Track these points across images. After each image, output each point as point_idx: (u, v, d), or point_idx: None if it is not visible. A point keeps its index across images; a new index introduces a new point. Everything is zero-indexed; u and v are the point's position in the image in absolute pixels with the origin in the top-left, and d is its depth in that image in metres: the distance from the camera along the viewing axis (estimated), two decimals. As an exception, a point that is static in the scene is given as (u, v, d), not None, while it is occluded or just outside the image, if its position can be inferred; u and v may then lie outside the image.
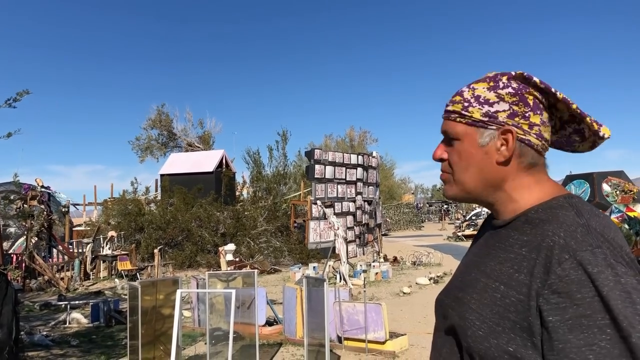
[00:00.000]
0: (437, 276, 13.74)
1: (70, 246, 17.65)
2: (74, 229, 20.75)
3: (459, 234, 28.04)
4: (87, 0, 74.61)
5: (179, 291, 5.51)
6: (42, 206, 15.40)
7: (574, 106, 1.17)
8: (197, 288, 8.24)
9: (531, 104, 1.17)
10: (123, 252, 16.80)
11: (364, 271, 14.58)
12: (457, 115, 1.20)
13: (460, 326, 1.13)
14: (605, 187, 14.78)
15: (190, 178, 21.81)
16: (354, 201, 20.59)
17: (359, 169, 20.96)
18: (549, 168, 1.22)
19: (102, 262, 16.51)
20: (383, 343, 7.00)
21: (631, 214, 10.92)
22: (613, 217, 11.21)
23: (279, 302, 9.43)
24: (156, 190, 24.60)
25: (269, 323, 8.40)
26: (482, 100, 1.17)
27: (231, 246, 16.02)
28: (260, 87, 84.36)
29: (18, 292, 8.84)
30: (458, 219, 39.34)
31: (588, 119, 1.17)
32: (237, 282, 7.01)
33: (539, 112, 1.17)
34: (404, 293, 11.87)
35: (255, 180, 24.48)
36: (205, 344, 6.60)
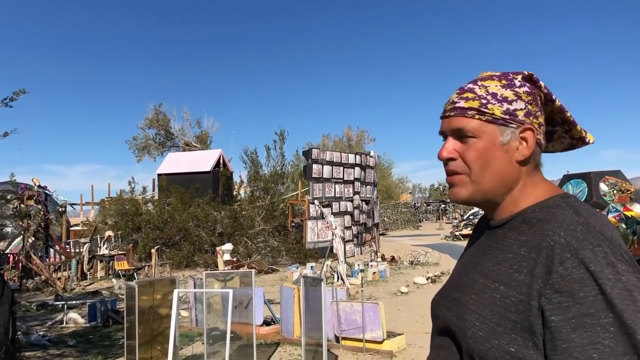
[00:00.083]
0: (435, 275, 13.75)
1: (67, 246, 17.62)
2: (71, 228, 20.72)
3: (457, 233, 28.07)
4: (86, 0, 74.56)
5: (176, 291, 5.50)
6: (39, 206, 15.35)
7: (568, 114, 1.23)
8: (195, 288, 8.23)
9: (539, 104, 1.20)
10: (120, 252, 16.76)
11: (362, 271, 14.58)
12: (475, 112, 1.16)
13: (459, 327, 1.12)
14: (603, 187, 14.81)
15: (187, 178, 21.78)
16: (352, 201, 20.59)
17: (357, 169, 20.97)
18: (543, 167, 1.24)
19: (99, 262, 16.48)
20: (380, 342, 7.00)
21: (628, 213, 10.94)
22: (610, 216, 11.23)
23: (276, 302, 9.42)
24: (153, 190, 24.57)
25: (266, 323, 8.39)
26: (501, 98, 1.16)
27: (228, 246, 16.00)
28: (257, 86, 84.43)
29: (15, 292, 8.82)
30: (455, 218, 39.38)
31: (578, 126, 1.25)
32: (234, 282, 7.00)
33: (542, 113, 1.21)
34: (402, 292, 11.87)
35: (252, 180, 24.46)
36: (203, 343, 6.58)
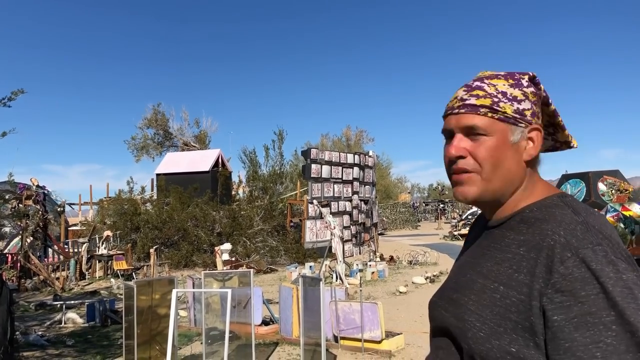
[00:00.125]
0: (434, 275, 13.75)
1: (65, 246, 17.60)
2: (69, 228, 20.70)
3: (455, 233, 28.06)
4: (84, 0, 74.44)
5: (174, 291, 5.50)
6: (38, 206, 15.33)
7: (559, 118, 1.26)
8: (193, 288, 8.23)
9: (539, 106, 1.21)
10: (119, 252, 16.75)
11: (360, 270, 14.57)
12: (487, 110, 1.15)
13: (459, 328, 1.11)
14: (601, 186, 14.80)
15: (186, 177, 21.77)
16: (351, 200, 20.60)
17: (356, 169, 20.97)
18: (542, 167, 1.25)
19: (97, 261, 16.46)
20: (379, 342, 7.00)
21: (627, 213, 10.95)
22: (609, 216, 11.24)
23: (275, 302, 9.41)
24: (152, 190, 24.57)
25: (265, 322, 8.39)
26: (511, 97, 1.16)
27: (227, 246, 15.99)
28: (256, 86, 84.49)
29: (13, 292, 8.81)
30: (454, 218, 39.39)
31: (566, 131, 1.28)
32: (233, 282, 7.00)
33: (541, 114, 1.22)
34: (400, 292, 11.87)
35: (251, 180, 24.45)
36: (201, 343, 6.58)
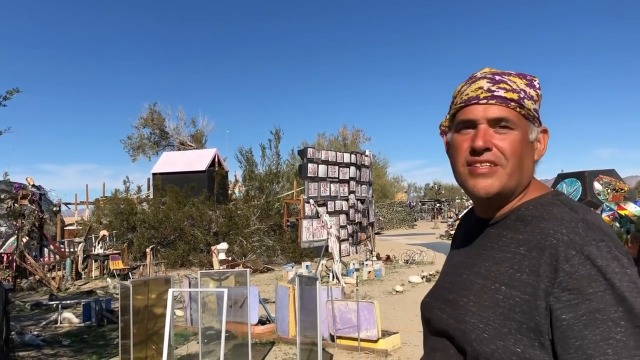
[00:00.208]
0: (430, 274, 13.76)
1: (61, 245, 17.55)
2: (65, 228, 20.63)
3: (452, 232, 28.10)
4: (82, 0, 74.28)
5: (170, 290, 5.49)
6: (33, 205, 15.29)
7: None
8: (190, 287, 8.22)
9: None
10: (115, 252, 16.72)
11: (357, 270, 14.59)
12: (516, 105, 1.13)
13: (460, 330, 1.10)
14: (597, 186, 14.85)
15: (182, 177, 21.74)
16: (347, 200, 20.60)
17: (352, 168, 20.98)
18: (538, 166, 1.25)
19: (94, 261, 16.43)
20: (375, 341, 7.00)
21: (622, 212, 10.96)
22: (605, 215, 11.26)
23: (271, 301, 9.42)
24: (148, 189, 24.52)
25: (261, 322, 8.38)
26: (529, 96, 1.15)
27: (224, 245, 15.98)
28: (253, 86, 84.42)
29: (9, 292, 8.80)
30: (450, 217, 39.43)
31: None
32: (229, 281, 6.99)
33: None
34: (397, 291, 11.88)
35: (247, 179, 24.42)
36: (198, 343, 6.58)
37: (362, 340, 6.99)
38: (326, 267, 14.26)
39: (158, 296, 6.25)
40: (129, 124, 36.55)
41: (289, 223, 20.69)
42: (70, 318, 9.64)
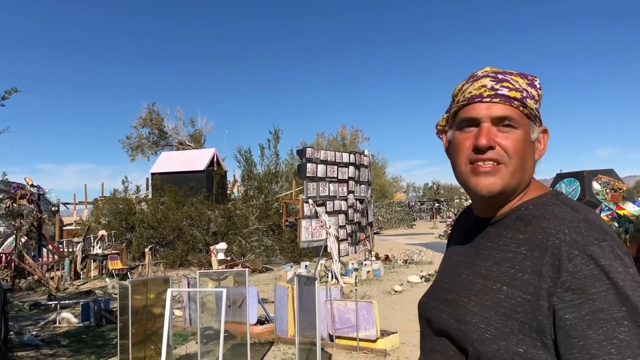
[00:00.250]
0: (429, 274, 13.77)
1: (60, 245, 17.54)
2: (64, 228, 20.62)
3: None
4: (80, 0, 74.24)
5: (169, 290, 5.48)
6: (32, 205, 15.28)
7: None
8: (188, 287, 8.21)
9: None
10: (114, 251, 16.71)
11: (356, 269, 14.60)
12: (519, 104, 1.13)
13: (461, 330, 1.09)
14: (595, 186, 14.85)
15: (181, 177, 21.73)
16: (346, 200, 20.59)
17: (351, 168, 20.97)
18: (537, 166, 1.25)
19: (92, 261, 16.42)
20: (374, 341, 7.00)
21: (621, 212, 10.97)
22: (603, 215, 11.27)
23: (270, 301, 9.41)
24: (147, 189, 24.51)
25: (260, 322, 8.38)
26: (531, 95, 1.15)
27: (222, 245, 15.97)
28: (252, 86, 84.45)
29: (7, 292, 8.78)
30: (449, 217, 39.46)
31: None
32: (228, 281, 6.99)
33: None
34: (396, 291, 11.89)
35: (246, 179, 24.41)
36: (197, 343, 6.57)
37: (361, 340, 6.99)
38: (325, 266, 14.26)
39: (157, 296, 6.24)
40: (128, 123, 36.49)
41: (287, 223, 20.69)
42: (68, 318, 9.63)
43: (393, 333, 7.42)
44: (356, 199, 21.38)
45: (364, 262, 15.46)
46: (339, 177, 20.28)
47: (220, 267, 14.40)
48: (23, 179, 16.38)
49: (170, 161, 23.85)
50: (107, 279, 15.07)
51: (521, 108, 1.13)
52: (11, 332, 7.71)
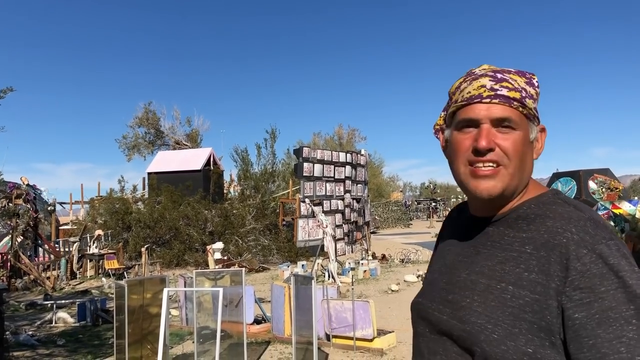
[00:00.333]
0: (425, 274, 13.78)
1: (56, 245, 17.50)
2: (60, 227, 20.59)
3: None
4: (76, -2, 74.02)
5: (166, 290, 5.48)
6: (28, 205, 15.23)
7: None
8: (185, 287, 8.21)
9: None
10: (110, 251, 16.68)
11: (353, 269, 14.59)
12: (519, 104, 1.11)
13: (466, 331, 1.07)
14: (592, 185, 14.88)
15: (178, 176, 21.71)
16: (343, 199, 20.60)
17: (348, 167, 20.98)
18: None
19: (89, 261, 16.39)
20: (371, 340, 7.01)
21: (617, 211, 11.00)
22: (599, 214, 11.29)
23: (267, 301, 9.41)
24: (143, 189, 24.48)
25: (257, 321, 8.38)
26: (529, 95, 1.14)
27: (219, 244, 15.95)
28: (249, 85, 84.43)
29: (3, 292, 8.74)
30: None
31: None
32: (224, 281, 6.98)
33: None
34: (392, 290, 11.90)
35: (243, 178, 24.40)
36: (193, 342, 6.57)
37: (357, 339, 7.00)
38: (322, 266, 14.26)
39: (153, 296, 6.23)
40: (124, 123, 36.44)
41: (284, 222, 20.69)
42: (65, 318, 9.61)
43: (390, 332, 7.42)
44: (353, 199, 21.39)
45: (361, 262, 15.46)
46: (336, 177, 20.29)
47: (216, 267, 14.39)
48: (19, 178, 16.35)
49: (167, 161, 23.83)
50: (103, 279, 15.04)
51: (520, 109, 1.12)
52: (7, 332, 7.69)
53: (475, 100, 1.13)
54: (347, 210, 20.79)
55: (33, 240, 16.08)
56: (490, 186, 1.11)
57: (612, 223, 10.81)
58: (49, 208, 19.73)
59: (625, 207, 10.68)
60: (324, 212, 17.46)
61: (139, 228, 18.39)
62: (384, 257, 18.04)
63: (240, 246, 18.17)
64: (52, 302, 10.59)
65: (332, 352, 7.09)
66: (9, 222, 14.99)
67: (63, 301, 11.15)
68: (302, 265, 14.84)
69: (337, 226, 19.60)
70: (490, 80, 1.13)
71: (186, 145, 32.29)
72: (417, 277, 13.36)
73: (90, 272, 16.19)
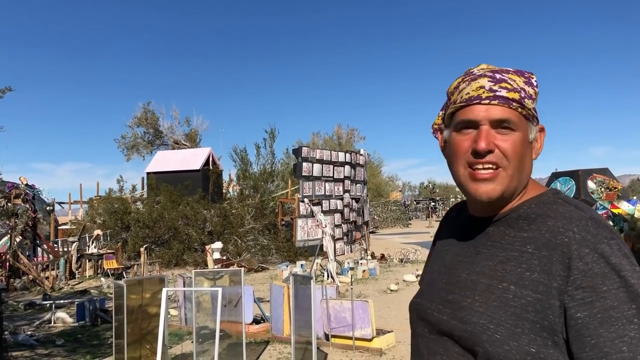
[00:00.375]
0: (422, 274, 13.77)
1: (55, 245, 17.49)
2: (59, 227, 20.58)
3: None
4: (73, -2, 73.96)
5: (165, 290, 5.47)
6: (27, 205, 15.22)
7: None
8: (184, 286, 8.20)
9: None
10: (109, 251, 16.67)
11: (352, 268, 14.59)
12: (518, 105, 1.11)
13: (468, 331, 1.07)
14: (590, 185, 14.89)
15: (177, 176, 21.71)
16: (342, 199, 20.60)
17: (347, 167, 20.98)
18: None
19: (87, 261, 16.38)
20: (370, 340, 7.01)
21: (615, 211, 11.01)
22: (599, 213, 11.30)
23: (266, 300, 9.40)
24: (142, 189, 24.47)
25: (256, 321, 8.37)
26: (528, 95, 1.13)
27: (218, 244, 15.95)
28: (248, 85, 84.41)
29: (2, 292, 8.74)
30: (445, 216, 39.45)
31: None
32: (224, 281, 6.98)
33: None
34: (391, 290, 11.90)
35: (242, 178, 24.39)
36: (192, 342, 6.56)
37: (356, 339, 7.00)
38: (321, 266, 14.26)
39: (152, 295, 6.23)
40: (123, 123, 36.44)
41: (283, 222, 20.69)
42: (64, 318, 9.60)
43: (389, 332, 7.42)
44: (352, 198, 21.39)
45: (360, 261, 15.46)
46: (335, 176, 20.29)
47: (215, 267, 14.39)
48: (18, 178, 16.33)
49: (166, 160, 23.82)
50: (102, 279, 15.03)
51: (519, 109, 1.11)
52: (6, 332, 7.68)
53: (475, 102, 1.12)
54: (346, 210, 20.79)
55: (32, 240, 16.06)
56: (489, 189, 1.11)
57: (610, 223, 10.82)
58: (47, 208, 19.71)
59: (624, 207, 10.69)
60: (323, 211, 17.45)
61: (138, 228, 18.38)
62: (383, 256, 18.04)
63: (239, 246, 18.17)
64: (51, 302, 10.58)
65: (331, 351, 7.09)
66: (7, 222, 14.98)
67: (62, 301, 11.14)
68: (301, 265, 14.83)
69: (336, 226, 19.60)
70: (489, 81, 1.12)
71: (185, 145, 32.29)
72: (416, 276, 13.36)
73: (89, 272, 16.18)
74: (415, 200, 55.33)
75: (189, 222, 18.84)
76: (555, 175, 16.58)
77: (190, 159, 23.15)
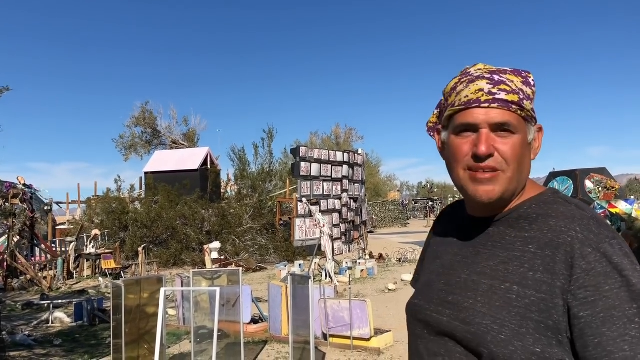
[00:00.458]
0: (415, 275, 13.77)
1: (53, 245, 17.46)
2: (57, 227, 20.54)
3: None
4: (71, -4, 73.83)
5: (163, 289, 5.47)
6: (24, 204, 15.20)
7: None
8: (182, 286, 8.19)
9: None
10: (107, 251, 16.66)
11: (350, 268, 14.60)
12: (517, 107, 1.10)
13: (471, 332, 1.06)
14: (588, 184, 14.91)
15: (175, 176, 21.69)
16: (340, 198, 20.60)
17: (345, 167, 20.97)
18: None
19: (85, 260, 16.36)
20: (368, 340, 7.01)
21: (613, 210, 11.03)
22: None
23: (264, 300, 9.41)
24: (140, 188, 24.44)
25: (254, 321, 8.37)
26: (526, 95, 1.13)
27: (216, 244, 15.94)
28: (246, 85, 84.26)
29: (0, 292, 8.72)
30: (443, 216, 39.47)
31: None
32: (222, 280, 6.98)
33: None
34: (389, 290, 11.91)
35: (240, 178, 24.37)
36: (190, 342, 6.56)
37: (354, 338, 7.00)
38: (319, 265, 14.27)
39: (150, 295, 6.22)
40: (121, 122, 36.44)
41: (281, 222, 20.67)
42: (62, 318, 9.59)
43: (387, 331, 7.43)
44: (350, 198, 21.39)
45: (358, 261, 15.47)
46: (333, 176, 20.28)
47: (214, 266, 14.38)
48: (15, 178, 16.31)
49: (164, 160, 23.80)
50: (100, 279, 15.02)
51: (519, 112, 1.11)
52: (4, 332, 7.67)
53: (474, 105, 1.11)
54: (344, 210, 20.78)
55: (29, 240, 16.04)
56: (489, 190, 1.11)
57: (608, 222, 10.82)
58: (45, 208, 19.67)
59: (622, 207, 10.71)
60: (321, 211, 17.46)
61: (136, 228, 18.36)
62: (381, 256, 18.05)
63: (238, 246, 18.16)
64: (48, 302, 10.57)
65: (330, 351, 7.09)
66: (5, 222, 14.95)
67: (60, 301, 11.13)
68: (300, 264, 14.83)
69: (335, 225, 19.59)
70: (487, 83, 1.12)
71: (183, 144, 32.27)
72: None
73: (87, 272, 16.16)
74: (413, 200, 55.36)
75: (187, 221, 18.82)
76: (553, 175, 16.60)
77: (188, 159, 23.14)
